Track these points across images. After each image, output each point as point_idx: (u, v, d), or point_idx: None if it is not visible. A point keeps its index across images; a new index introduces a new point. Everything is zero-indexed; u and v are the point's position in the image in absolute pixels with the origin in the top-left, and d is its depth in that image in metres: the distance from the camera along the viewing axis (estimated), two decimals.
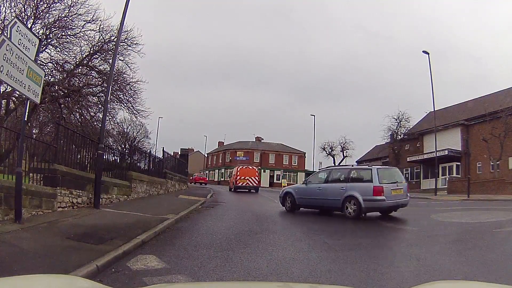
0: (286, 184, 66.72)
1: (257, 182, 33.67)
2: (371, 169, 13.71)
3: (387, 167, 18.65)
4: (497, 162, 35.21)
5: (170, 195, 22.85)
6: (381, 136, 53.12)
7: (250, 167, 37.75)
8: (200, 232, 10.14)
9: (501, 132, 34.29)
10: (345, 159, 61.84)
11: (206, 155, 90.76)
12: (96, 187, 12.47)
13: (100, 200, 12.85)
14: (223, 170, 74.61)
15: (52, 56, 20.08)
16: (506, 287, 2.43)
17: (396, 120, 50.69)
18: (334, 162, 60.71)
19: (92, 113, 22.90)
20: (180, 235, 9.53)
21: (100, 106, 21.98)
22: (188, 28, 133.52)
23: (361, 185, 13.47)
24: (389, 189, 13.19)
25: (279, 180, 73.24)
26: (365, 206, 13.18)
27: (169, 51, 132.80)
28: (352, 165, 17.98)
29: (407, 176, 49.08)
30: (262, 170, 71.34)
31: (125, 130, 46.99)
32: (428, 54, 36.88)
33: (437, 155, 39.45)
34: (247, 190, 32.78)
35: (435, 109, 37.59)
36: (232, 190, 33.98)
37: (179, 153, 43.29)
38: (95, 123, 22.39)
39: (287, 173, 76.92)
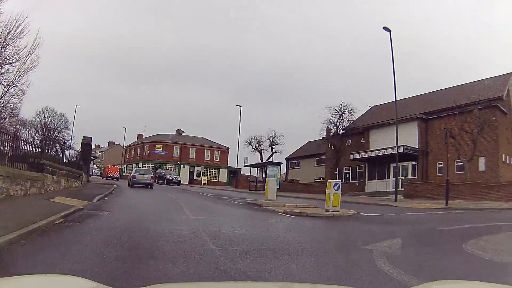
0: (206, 182, 63.86)
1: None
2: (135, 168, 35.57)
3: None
4: (467, 162, 29.44)
5: (41, 196, 15.14)
6: (318, 130, 45.60)
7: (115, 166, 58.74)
8: None
9: (474, 127, 28.95)
10: (273, 155, 55.54)
11: (124, 148, 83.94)
12: None
13: None
14: (140, 165, 68.52)
15: None
16: (506, 287, 2.50)
17: (338, 112, 42.48)
18: (261, 158, 54.64)
19: None
20: None
21: None
22: (122, 21, 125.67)
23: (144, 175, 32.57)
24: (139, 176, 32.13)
25: (200, 176, 68.08)
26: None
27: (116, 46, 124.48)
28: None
29: (347, 176, 43.31)
30: (182, 166, 68.68)
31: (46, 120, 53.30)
32: (390, 31, 29.97)
33: (388, 152, 34.55)
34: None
35: (385, 103, 31.64)
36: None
37: (81, 142, 34.29)
38: None
39: (209, 170, 72.85)
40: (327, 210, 14.16)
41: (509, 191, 26.04)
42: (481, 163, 31.54)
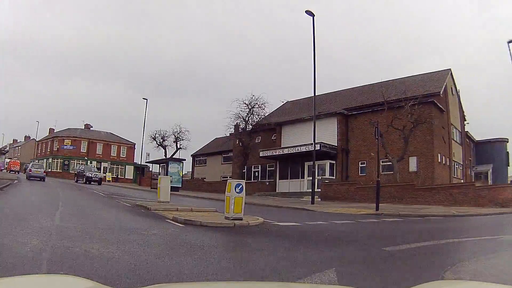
0: (110, 179, 61.38)
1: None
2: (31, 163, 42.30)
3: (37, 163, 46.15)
4: (397, 162, 26.23)
5: None
6: (225, 125, 41.94)
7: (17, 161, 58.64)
8: None
9: (406, 124, 25.91)
10: (178, 151, 51.73)
11: (36, 143, 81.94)
12: None
13: None
14: (50, 160, 68.32)
15: None
16: (506, 287, 2.40)
17: (248, 105, 38.56)
18: (166, 154, 50.68)
19: None
20: None
21: None
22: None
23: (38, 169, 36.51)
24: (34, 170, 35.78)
25: (105, 173, 65.21)
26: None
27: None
28: None
29: (257, 175, 40.06)
30: (89, 162, 65.48)
31: None
32: (313, 15, 25.90)
33: (303, 150, 31.27)
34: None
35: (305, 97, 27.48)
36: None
37: None
38: None
39: (115, 166, 72.38)
40: (227, 218, 11.19)
41: (449, 194, 23.47)
42: (412, 163, 28.94)
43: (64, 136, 71.51)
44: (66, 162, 66.78)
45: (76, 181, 41.52)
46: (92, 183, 39.32)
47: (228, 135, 42.71)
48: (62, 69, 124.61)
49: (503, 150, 46.94)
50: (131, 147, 74.64)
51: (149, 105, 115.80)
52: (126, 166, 72.32)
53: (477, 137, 47.40)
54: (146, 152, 56.87)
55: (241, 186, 11.33)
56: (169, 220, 11.33)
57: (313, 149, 25.18)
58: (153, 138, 52.04)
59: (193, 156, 56.58)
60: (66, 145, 69.97)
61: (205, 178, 48.93)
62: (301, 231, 10.96)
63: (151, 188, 38.62)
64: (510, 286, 2.38)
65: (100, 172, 49.93)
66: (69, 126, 75.03)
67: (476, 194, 23.20)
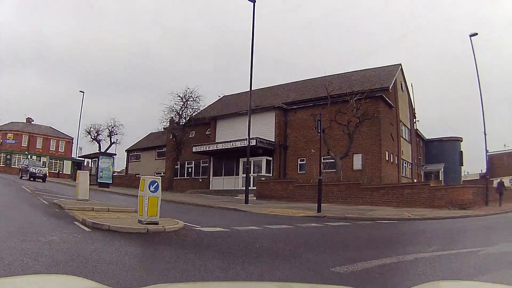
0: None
1: None
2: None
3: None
4: (340, 159, 24.57)
5: None
6: (159, 119, 40.17)
7: None
8: None
9: (352, 119, 24.32)
10: (112, 146, 49.60)
11: None
12: None
13: None
14: None
15: None
16: (506, 287, 2.41)
17: (182, 98, 36.49)
18: (100, 149, 48.38)
19: None
20: None
21: None
22: None
23: None
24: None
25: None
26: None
27: None
28: None
29: (190, 171, 38.38)
30: (29, 156, 61.01)
31: None
32: (254, 1, 23.60)
33: (238, 145, 29.28)
34: None
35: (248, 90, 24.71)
36: None
37: None
38: None
39: (54, 161, 69.17)
40: (140, 222, 9.79)
41: (400, 194, 21.87)
42: (357, 161, 27.41)
43: (6, 130, 69.08)
44: (9, 157, 64.34)
45: (21, 177, 37.27)
46: (37, 179, 34.99)
47: (163, 129, 40.22)
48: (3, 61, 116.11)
49: (456, 149, 46.05)
50: (69, 141, 72.37)
51: (92, 100, 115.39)
52: (65, 161, 69.55)
53: (428, 136, 47.57)
54: (79, 147, 56.94)
55: (156, 183, 9.80)
56: (77, 223, 9.95)
57: (248, 144, 22.92)
58: (87, 132, 49.70)
59: (128, 151, 54.46)
60: (8, 139, 67.89)
61: (138, 174, 46.64)
62: (227, 241, 8.74)
63: (91, 183, 35.97)
64: (510, 286, 2.25)
65: (45, 167, 45.97)
66: (12, 120, 72.19)
67: (432, 194, 21.60)
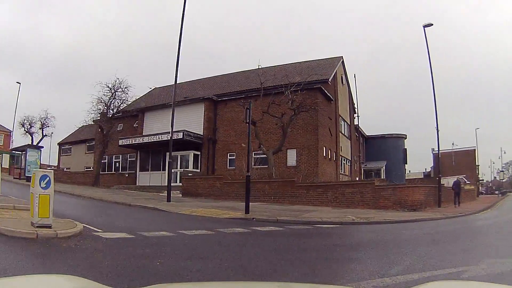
0: None
1: None
2: None
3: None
4: (272, 155, 23.35)
5: None
6: (87, 110, 36.18)
7: None
8: None
9: (286, 111, 23.07)
10: (44, 138, 46.69)
11: None
12: None
13: None
14: None
15: None
16: (506, 287, 2.43)
17: (111, 89, 33.91)
18: (32, 141, 45.74)
19: None
20: None
21: None
22: None
23: None
24: None
25: None
26: None
27: None
28: None
29: (117, 166, 36.36)
30: None
31: None
32: None
33: (164, 138, 26.58)
34: None
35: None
36: None
37: None
38: None
39: None
40: (33, 224, 8.54)
41: (340, 193, 20.34)
42: (291, 157, 26.08)
43: None
44: None
45: None
46: None
47: (92, 122, 37.25)
48: None
49: (399, 147, 45.89)
50: (7, 134, 67.21)
51: (33, 94, 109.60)
52: (3, 155, 63.66)
53: (370, 133, 46.86)
54: (11, 139, 55.18)
55: (48, 178, 8.61)
56: None
57: (175, 137, 21.18)
58: (21, 124, 47.25)
59: (60, 144, 52.13)
60: None
61: (69, 168, 46.03)
62: (124, 251, 7.13)
63: (14, 177, 35.34)
64: (510, 286, 2.13)
65: None
66: None
67: (377, 194, 19.97)
